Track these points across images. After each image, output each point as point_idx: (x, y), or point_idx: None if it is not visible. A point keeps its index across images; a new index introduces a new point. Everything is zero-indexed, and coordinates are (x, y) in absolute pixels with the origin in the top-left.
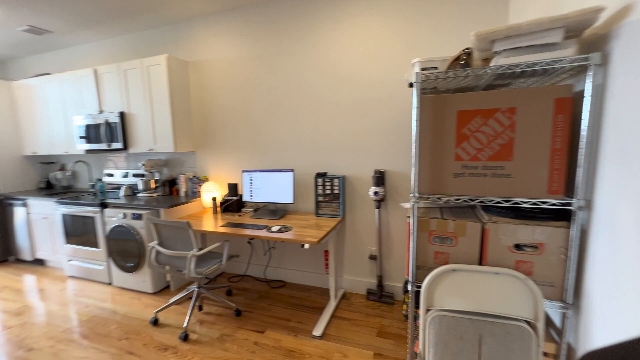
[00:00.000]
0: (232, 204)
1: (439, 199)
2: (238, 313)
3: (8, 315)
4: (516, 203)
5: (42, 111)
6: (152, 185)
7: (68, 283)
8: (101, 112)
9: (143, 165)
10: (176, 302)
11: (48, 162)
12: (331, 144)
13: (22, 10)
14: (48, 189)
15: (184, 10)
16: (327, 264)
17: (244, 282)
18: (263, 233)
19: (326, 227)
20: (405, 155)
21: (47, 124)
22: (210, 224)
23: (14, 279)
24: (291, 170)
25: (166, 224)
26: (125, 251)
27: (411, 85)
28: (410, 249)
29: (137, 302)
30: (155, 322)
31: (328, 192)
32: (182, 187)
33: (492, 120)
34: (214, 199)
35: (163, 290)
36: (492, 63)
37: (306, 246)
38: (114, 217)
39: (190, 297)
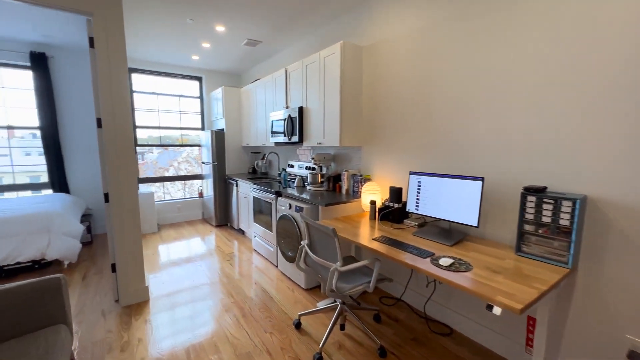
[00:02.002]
0: (393, 212)
1: None
2: (383, 353)
3: (210, 272)
4: None
5: (252, 110)
6: (319, 179)
7: (252, 255)
8: (287, 107)
9: (313, 158)
10: (320, 311)
11: (256, 152)
12: (559, 138)
13: (241, 24)
14: (253, 173)
15: None
16: (529, 338)
17: (397, 309)
18: (426, 265)
19: (539, 283)
20: None
21: (254, 120)
22: (364, 232)
23: (224, 241)
24: (480, 179)
25: (314, 225)
26: (288, 240)
27: None
28: None
29: (291, 294)
30: (297, 326)
31: (546, 220)
32: (344, 185)
33: None
34: (373, 202)
35: (314, 288)
36: None
37: (496, 311)
38: (283, 206)
39: (335, 309)
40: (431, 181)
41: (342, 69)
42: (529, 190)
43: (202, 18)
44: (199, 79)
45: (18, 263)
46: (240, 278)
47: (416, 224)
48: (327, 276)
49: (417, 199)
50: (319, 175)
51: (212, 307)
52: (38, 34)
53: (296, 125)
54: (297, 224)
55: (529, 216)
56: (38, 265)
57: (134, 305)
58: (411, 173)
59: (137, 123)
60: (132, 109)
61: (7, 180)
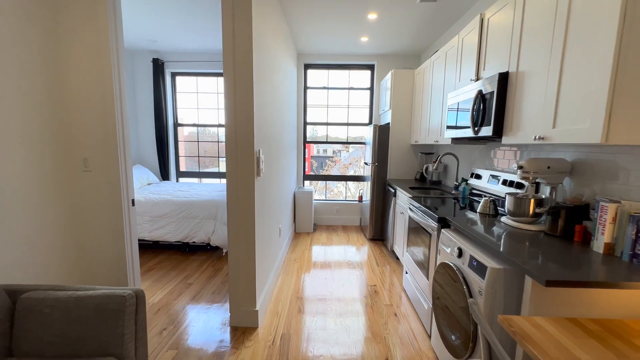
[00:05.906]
0: None
1: None
2: None
3: (337, 310)
4: None
5: (426, 95)
6: (530, 208)
7: (401, 297)
8: (477, 79)
9: (520, 167)
10: None
11: (427, 152)
12: None
13: None
14: (421, 181)
15: None
16: None
17: None
18: None
19: None
20: None
21: (427, 110)
22: None
23: (372, 264)
24: None
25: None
26: (449, 312)
27: None
28: None
29: None
30: None
31: None
32: (603, 233)
33: None
34: None
35: None
36: None
37: None
38: (447, 247)
39: None
40: None
41: None
42: None
43: None
44: (371, 67)
45: (194, 242)
46: (370, 337)
47: None
48: None
49: None
50: (532, 200)
51: None
52: None
53: (491, 106)
54: (472, 290)
55: None
56: (209, 247)
57: (239, 330)
58: None
59: (309, 120)
60: (305, 106)
61: (213, 168)
